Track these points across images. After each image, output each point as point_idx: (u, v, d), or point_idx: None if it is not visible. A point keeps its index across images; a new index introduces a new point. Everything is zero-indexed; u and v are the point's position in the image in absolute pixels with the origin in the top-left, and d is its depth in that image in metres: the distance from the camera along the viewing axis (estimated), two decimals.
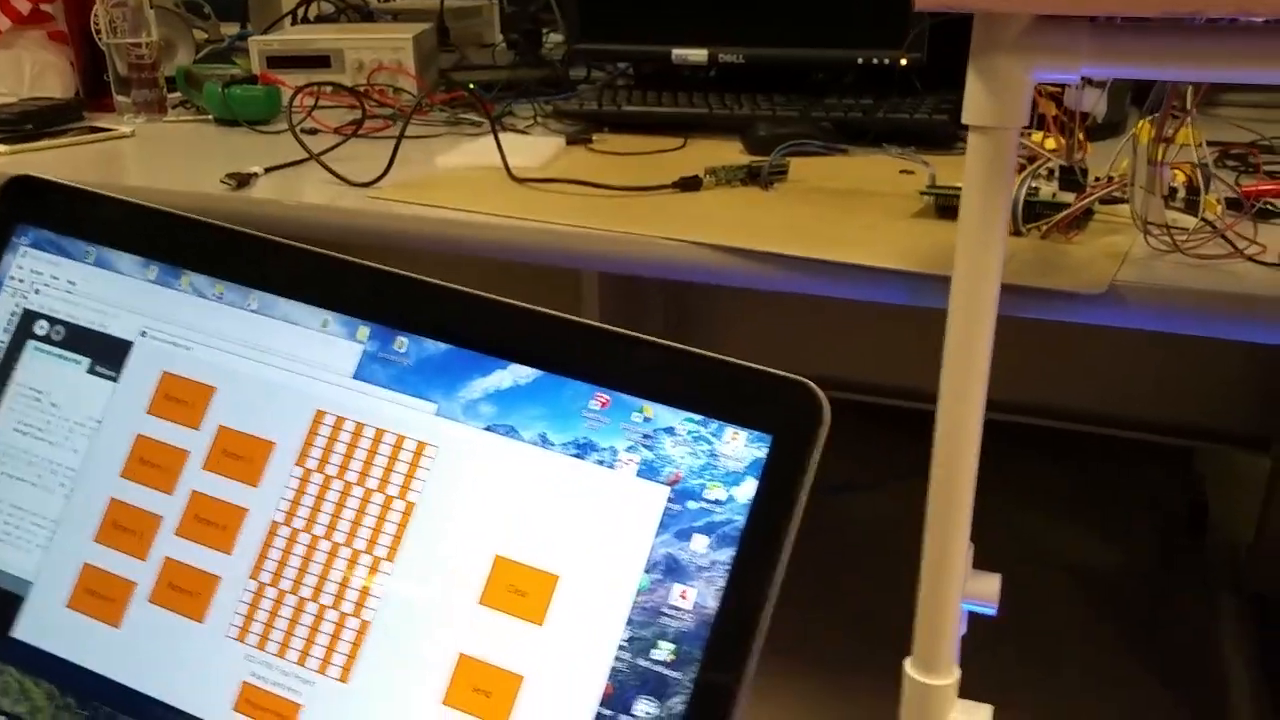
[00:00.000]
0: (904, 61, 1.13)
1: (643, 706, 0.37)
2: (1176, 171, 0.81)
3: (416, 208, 0.91)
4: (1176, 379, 1.53)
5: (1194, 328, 0.68)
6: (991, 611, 0.73)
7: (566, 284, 1.45)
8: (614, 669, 0.37)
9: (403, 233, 0.92)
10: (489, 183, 0.97)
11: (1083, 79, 0.68)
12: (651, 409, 0.39)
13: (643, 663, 0.37)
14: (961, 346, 0.50)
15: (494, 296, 0.42)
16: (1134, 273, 0.70)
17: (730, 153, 1.07)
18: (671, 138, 1.15)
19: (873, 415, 2.07)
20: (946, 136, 1.09)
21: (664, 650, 0.37)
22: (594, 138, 1.16)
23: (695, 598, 0.37)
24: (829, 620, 1.46)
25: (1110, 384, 1.55)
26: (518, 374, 0.41)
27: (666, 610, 0.37)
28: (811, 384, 0.38)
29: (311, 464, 0.41)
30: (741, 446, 0.38)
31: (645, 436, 0.39)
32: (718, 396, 0.39)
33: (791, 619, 1.42)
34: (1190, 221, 0.78)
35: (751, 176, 0.96)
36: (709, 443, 0.39)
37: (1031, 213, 0.79)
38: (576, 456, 0.40)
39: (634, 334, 0.40)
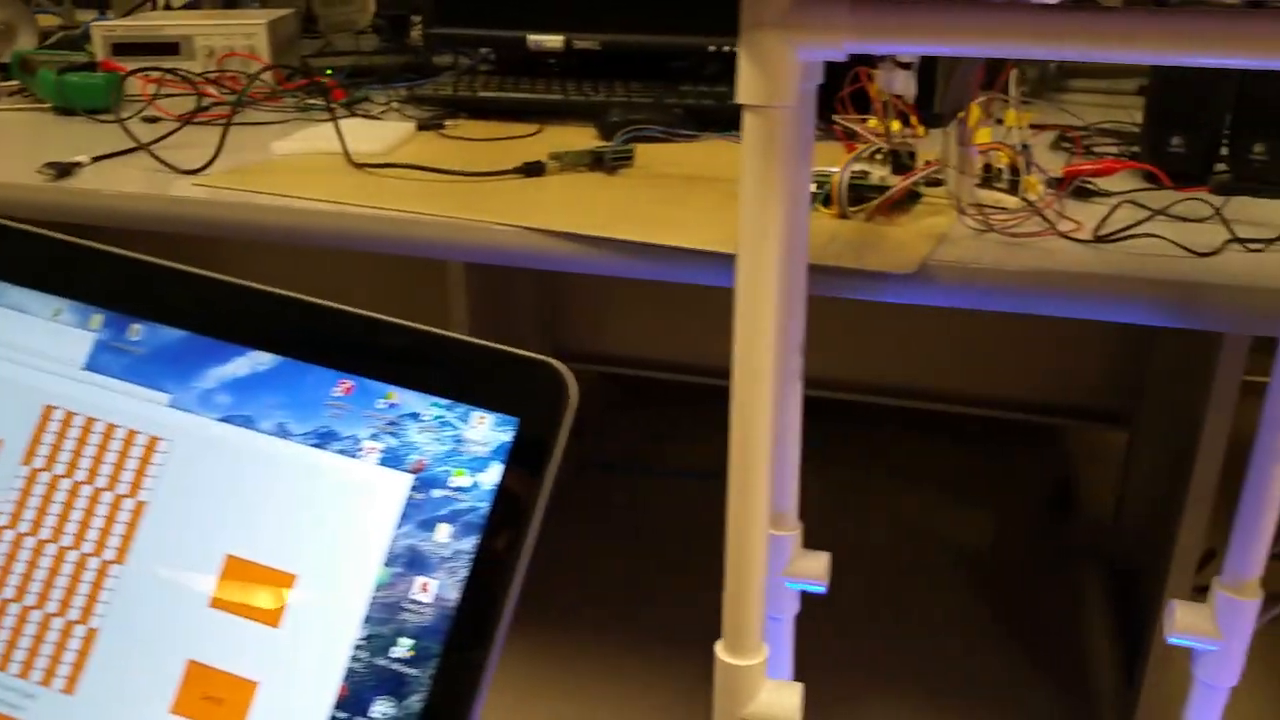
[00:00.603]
0: None
1: (380, 707, 0.35)
2: (1001, 153, 0.82)
3: (244, 195, 0.88)
4: (1041, 358, 1.57)
5: (1005, 305, 0.69)
6: (821, 590, 0.73)
7: (432, 275, 1.42)
8: (350, 669, 0.36)
9: (230, 221, 0.88)
10: (326, 169, 0.95)
11: (891, 60, 0.68)
12: (396, 394, 0.38)
13: (380, 661, 0.36)
14: (748, 324, 0.50)
15: (231, 279, 0.40)
16: (948, 253, 0.71)
17: (585, 139, 1.05)
18: (527, 124, 1.14)
19: None
20: None
21: (403, 647, 0.36)
22: (447, 124, 1.14)
23: (436, 590, 0.36)
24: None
25: (979, 364, 1.59)
26: (256, 361, 0.39)
27: (406, 605, 0.36)
28: (558, 364, 0.37)
29: (39, 462, 0.39)
30: (488, 430, 0.37)
31: (389, 423, 0.38)
32: (464, 379, 0.38)
33: (665, 603, 1.39)
34: (1013, 201, 0.79)
35: (597, 162, 0.95)
36: (454, 428, 0.37)
37: (858, 196, 0.80)
38: (317, 446, 0.38)
39: (377, 316, 0.38)
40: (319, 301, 0.39)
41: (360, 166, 0.95)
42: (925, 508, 1.74)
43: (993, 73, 1.17)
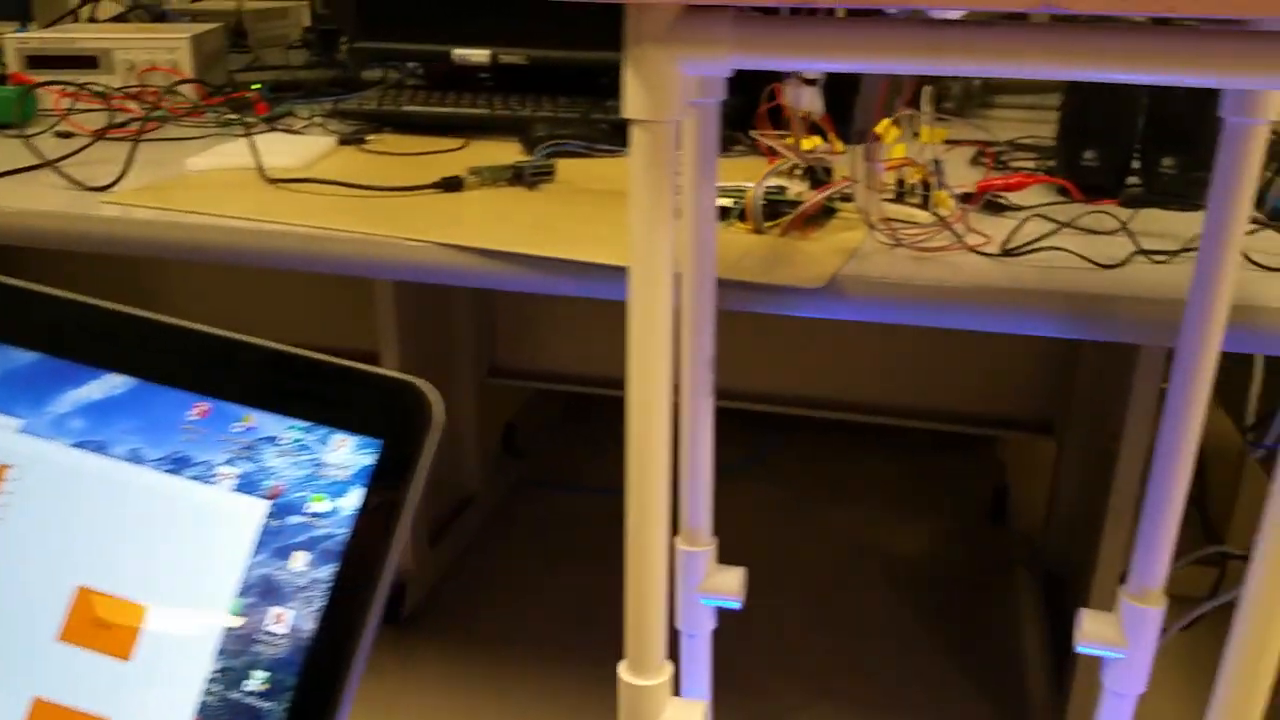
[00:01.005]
0: None
1: None
2: (912, 169, 0.83)
3: (153, 212, 0.86)
4: (976, 368, 1.58)
5: (912, 318, 0.70)
6: (736, 605, 0.73)
7: (360, 292, 1.40)
8: (203, 703, 0.35)
9: (138, 239, 0.86)
10: (238, 184, 0.93)
11: (797, 77, 0.68)
12: (254, 417, 0.37)
13: (234, 695, 0.34)
14: (641, 339, 0.49)
15: (83, 299, 0.38)
16: (857, 267, 0.71)
17: (511, 154, 1.04)
18: (453, 139, 1.13)
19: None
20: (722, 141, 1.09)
21: (257, 680, 0.34)
22: (370, 139, 1.13)
23: (292, 621, 0.35)
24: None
25: (914, 376, 1.60)
26: (111, 384, 0.37)
27: (261, 636, 0.35)
28: (422, 384, 0.36)
29: None
30: (349, 454, 0.36)
31: (245, 447, 0.36)
32: (324, 401, 0.36)
33: (604, 621, 1.37)
34: (925, 216, 0.80)
35: (517, 177, 0.94)
36: (314, 451, 0.36)
37: (774, 211, 0.80)
38: (171, 472, 0.37)
39: (234, 336, 0.37)
40: (173, 321, 0.38)
41: (274, 182, 0.94)
42: (863, 520, 1.75)
43: (909, 89, 1.18)
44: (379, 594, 0.35)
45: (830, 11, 0.45)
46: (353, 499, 0.36)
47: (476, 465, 1.69)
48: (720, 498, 1.82)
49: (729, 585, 0.71)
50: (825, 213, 0.83)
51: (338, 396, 0.37)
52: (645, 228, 0.47)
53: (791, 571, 1.61)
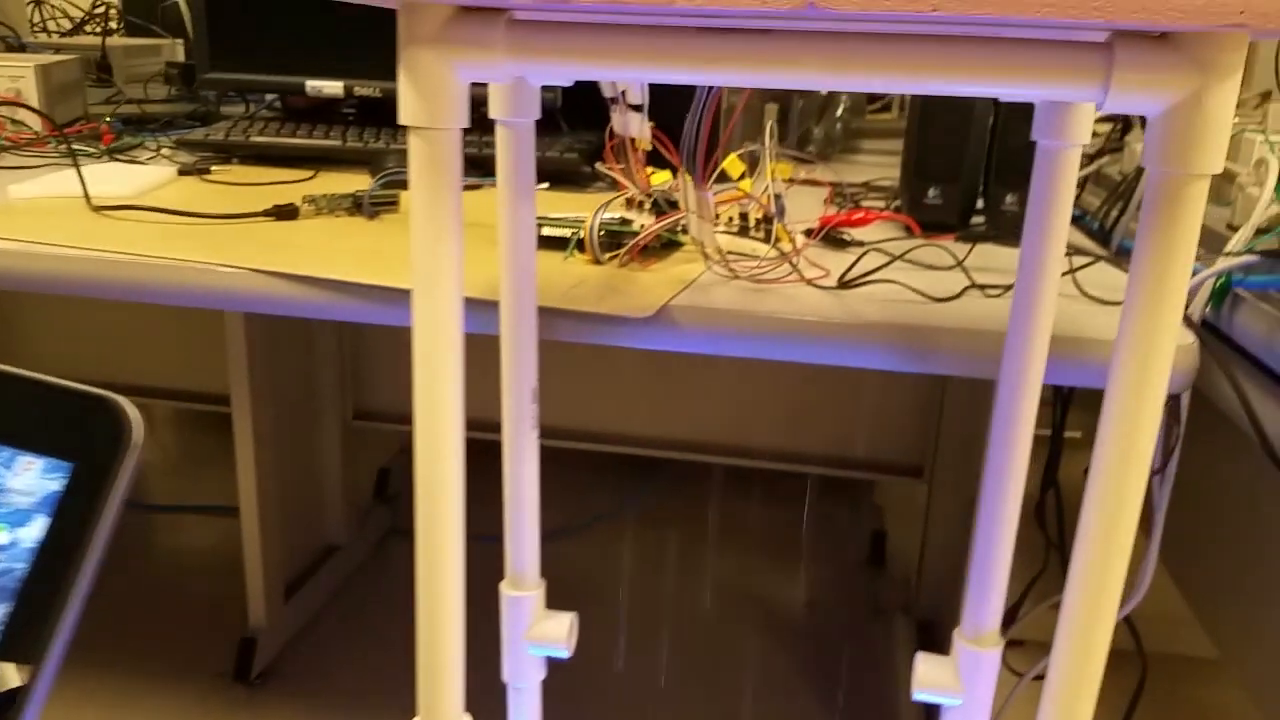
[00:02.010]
0: None
1: None
2: (757, 204, 0.82)
3: None
4: (853, 413, 1.59)
5: (744, 350, 0.68)
6: (564, 654, 0.69)
7: (212, 325, 1.34)
8: None
9: None
10: (62, 211, 0.87)
11: (623, 102, 0.67)
12: None
13: None
14: (427, 365, 0.46)
15: None
16: (690, 298, 0.69)
17: (362, 185, 1.01)
18: (303, 170, 1.09)
19: (562, 458, 2.05)
20: (579, 175, 1.08)
21: None
22: (216, 170, 1.08)
23: None
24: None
25: (793, 421, 1.60)
26: None
27: None
28: (119, 400, 0.32)
29: None
30: (35, 478, 0.32)
31: None
32: (8, 419, 0.32)
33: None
34: (765, 249, 0.79)
35: (356, 206, 0.91)
36: None
37: (615, 243, 0.78)
38: None
39: None
40: None
41: (99, 209, 0.88)
42: (742, 567, 1.73)
43: (753, 123, 1.18)
44: (59, 635, 0.31)
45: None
46: (35, 529, 0.32)
47: (340, 513, 1.62)
48: (597, 544, 1.79)
49: (556, 632, 0.67)
50: (668, 245, 0.81)
51: (25, 413, 0.32)
52: (427, 244, 0.44)
53: (667, 619, 1.57)
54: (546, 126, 1.18)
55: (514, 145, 0.56)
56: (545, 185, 1.07)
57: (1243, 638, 1.03)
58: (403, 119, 0.43)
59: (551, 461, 2.09)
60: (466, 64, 0.42)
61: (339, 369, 1.56)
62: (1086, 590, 0.49)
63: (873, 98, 1.60)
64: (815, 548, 1.80)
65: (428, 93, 0.42)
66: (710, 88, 0.64)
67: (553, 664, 1.47)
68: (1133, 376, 0.45)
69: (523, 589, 0.68)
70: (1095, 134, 1.29)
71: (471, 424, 1.61)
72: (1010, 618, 1.21)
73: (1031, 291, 0.58)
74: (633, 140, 0.71)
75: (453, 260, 0.45)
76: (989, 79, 0.39)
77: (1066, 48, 0.39)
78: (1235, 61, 0.37)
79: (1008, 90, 0.40)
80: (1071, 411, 1.10)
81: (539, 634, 0.68)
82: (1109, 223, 1.03)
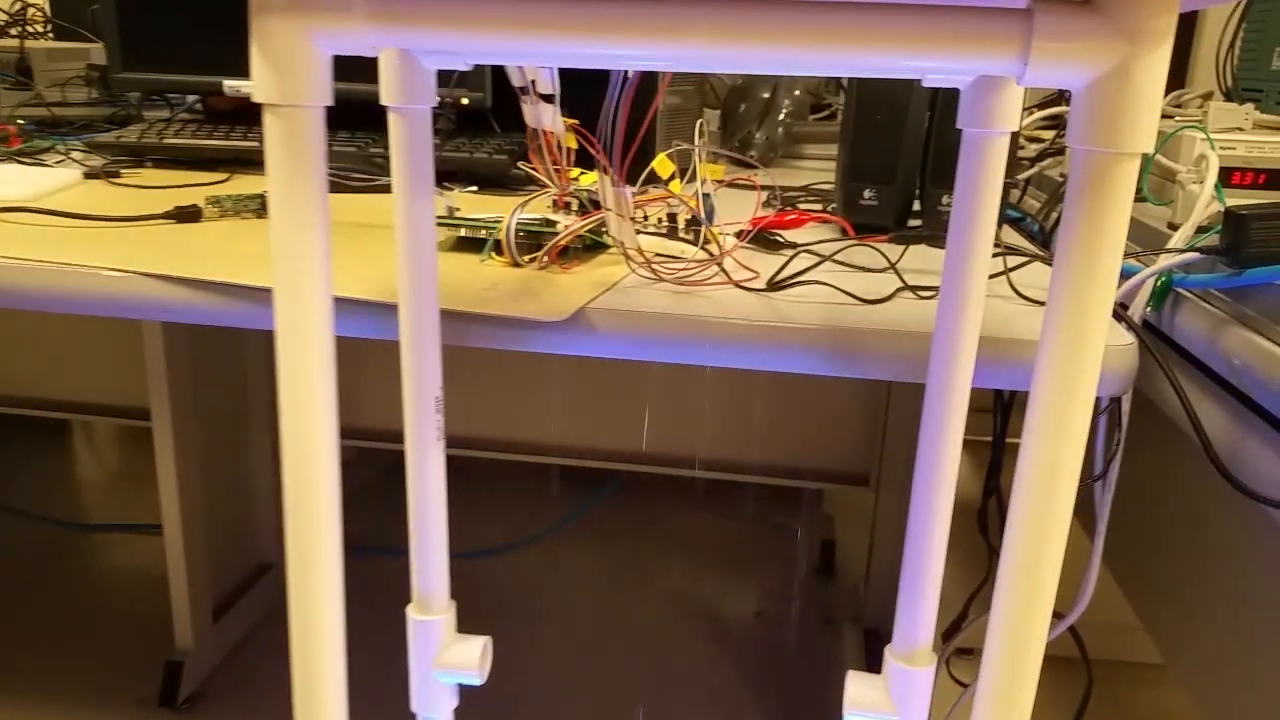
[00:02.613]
0: (465, 101, 1.08)
1: None
2: (685, 205, 0.79)
3: None
4: (795, 423, 1.56)
5: (665, 353, 0.64)
6: (476, 682, 0.65)
7: (131, 336, 1.28)
8: None
9: None
10: None
11: (534, 91, 0.63)
12: None
13: None
14: (291, 369, 0.42)
15: None
16: (612, 300, 0.65)
17: None
18: (219, 173, 1.04)
19: (506, 471, 2.01)
20: (509, 178, 1.04)
21: None
22: (126, 173, 1.03)
23: None
24: None
25: (742, 432, 1.57)
26: None
27: None
28: None
29: None
30: None
31: None
32: None
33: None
34: (693, 251, 0.76)
35: (264, 207, 0.86)
36: None
37: (535, 245, 0.74)
38: None
39: None
40: None
41: None
42: (691, 578, 1.69)
43: (689, 125, 1.15)
44: None
45: None
46: None
47: (273, 530, 1.57)
48: (544, 558, 1.74)
49: (467, 659, 0.63)
50: (593, 248, 0.77)
51: None
52: (287, 235, 0.40)
53: (613, 632, 1.53)
54: (477, 127, 1.15)
55: (406, 134, 0.53)
56: (474, 188, 1.03)
57: (1188, 642, 1.01)
58: (256, 95, 0.39)
59: (495, 475, 2.05)
60: (324, 32, 0.38)
61: (269, 381, 1.50)
62: (1017, 600, 0.46)
63: (816, 105, 1.58)
64: (765, 558, 1.77)
65: (283, 66, 0.38)
66: (625, 76, 0.61)
67: (497, 678, 1.42)
68: (1060, 375, 0.42)
69: (430, 613, 0.64)
70: (1038, 140, 1.27)
71: (393, 436, 1.56)
72: (955, 628, 1.19)
73: (959, 287, 0.55)
74: (550, 135, 0.67)
75: (316, 253, 0.41)
76: (898, 49, 0.36)
77: (982, 14, 0.36)
78: (1164, 28, 0.34)
79: (919, 62, 0.36)
80: (1013, 417, 1.08)
81: (449, 660, 0.63)
82: (1049, 224, 1.01)
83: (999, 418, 1.02)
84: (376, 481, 2.00)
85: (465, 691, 1.46)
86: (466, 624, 1.61)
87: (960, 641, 1.12)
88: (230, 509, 1.48)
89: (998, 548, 1.11)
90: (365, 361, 1.58)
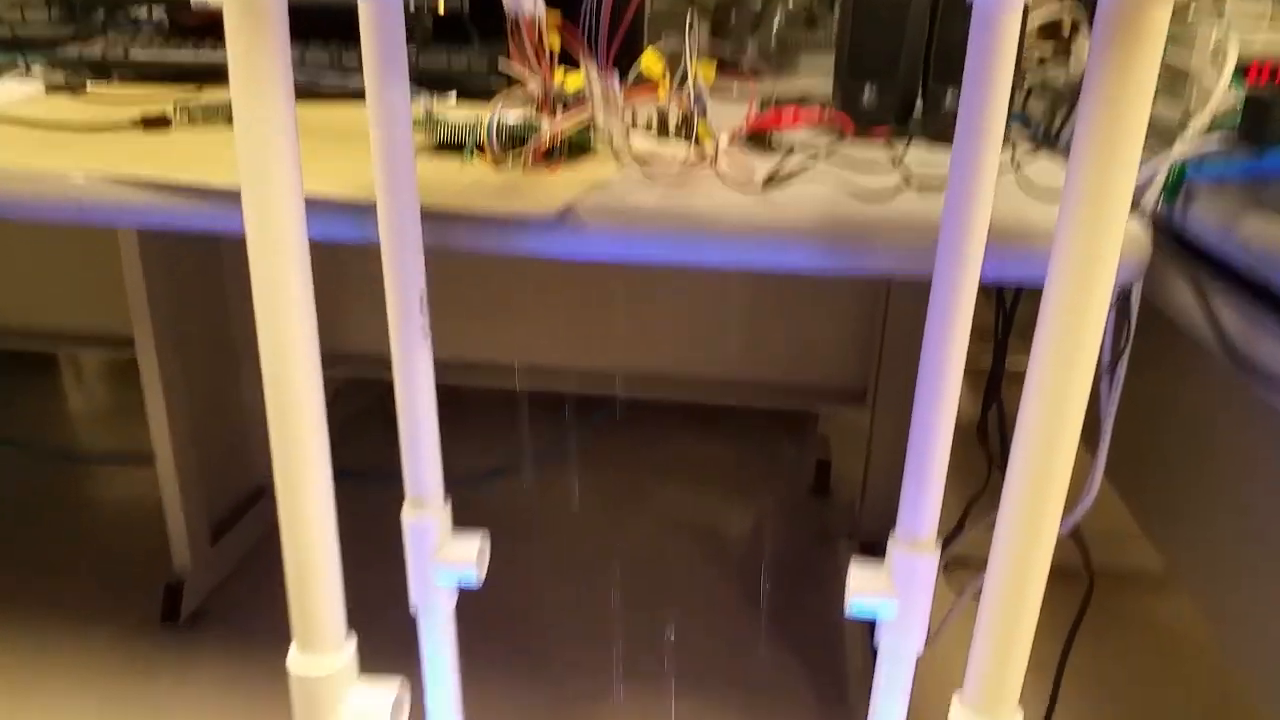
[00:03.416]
0: (440, 10, 1.03)
1: None
2: (678, 104, 0.75)
3: None
4: (788, 341, 1.54)
5: (656, 251, 0.62)
6: (473, 579, 0.63)
7: (113, 256, 1.24)
8: None
9: None
10: None
11: None
12: None
13: None
14: (264, 272, 0.39)
15: None
16: (601, 198, 0.62)
17: None
18: (188, 86, 1.00)
19: (498, 398, 2.00)
20: (488, 85, 1.00)
21: None
22: (93, 87, 0.99)
23: None
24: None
25: (735, 353, 1.55)
26: None
27: None
28: None
29: None
30: None
31: None
32: None
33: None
34: (686, 150, 0.72)
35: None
36: None
37: (519, 143, 0.71)
38: None
39: None
40: None
41: None
42: (685, 500, 1.69)
43: (679, 27, 1.10)
44: None
45: None
46: None
47: (268, 454, 1.55)
48: (537, 483, 1.73)
49: (464, 556, 0.62)
50: (580, 149, 0.74)
51: None
52: (250, 123, 0.37)
53: (609, 554, 1.53)
54: (455, 36, 1.10)
55: (376, 20, 0.49)
56: (452, 97, 0.99)
57: (1190, 549, 1.00)
58: None
59: (486, 402, 2.04)
60: None
61: (251, 304, 1.47)
62: (1026, 501, 0.44)
63: (809, 18, 1.53)
64: (759, 480, 1.76)
65: None
66: None
67: (492, 601, 1.42)
68: (1078, 258, 0.40)
69: (425, 510, 0.62)
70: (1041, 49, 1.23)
71: (388, 363, 1.53)
72: (952, 537, 1.18)
73: (969, 173, 0.52)
74: (531, 25, 0.63)
75: (283, 142, 0.38)
76: None
77: None
78: None
79: None
80: (1010, 340, 1.06)
81: (445, 558, 0.62)
82: (1055, 127, 0.98)
83: (999, 323, 1.00)
84: (372, 407, 1.99)
85: (461, 611, 1.45)
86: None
87: (957, 549, 1.11)
88: (223, 433, 1.46)
89: (997, 458, 1.10)
90: (354, 288, 1.55)
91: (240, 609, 1.37)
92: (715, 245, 0.61)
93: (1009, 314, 1.05)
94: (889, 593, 0.59)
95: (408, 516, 0.62)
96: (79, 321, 1.68)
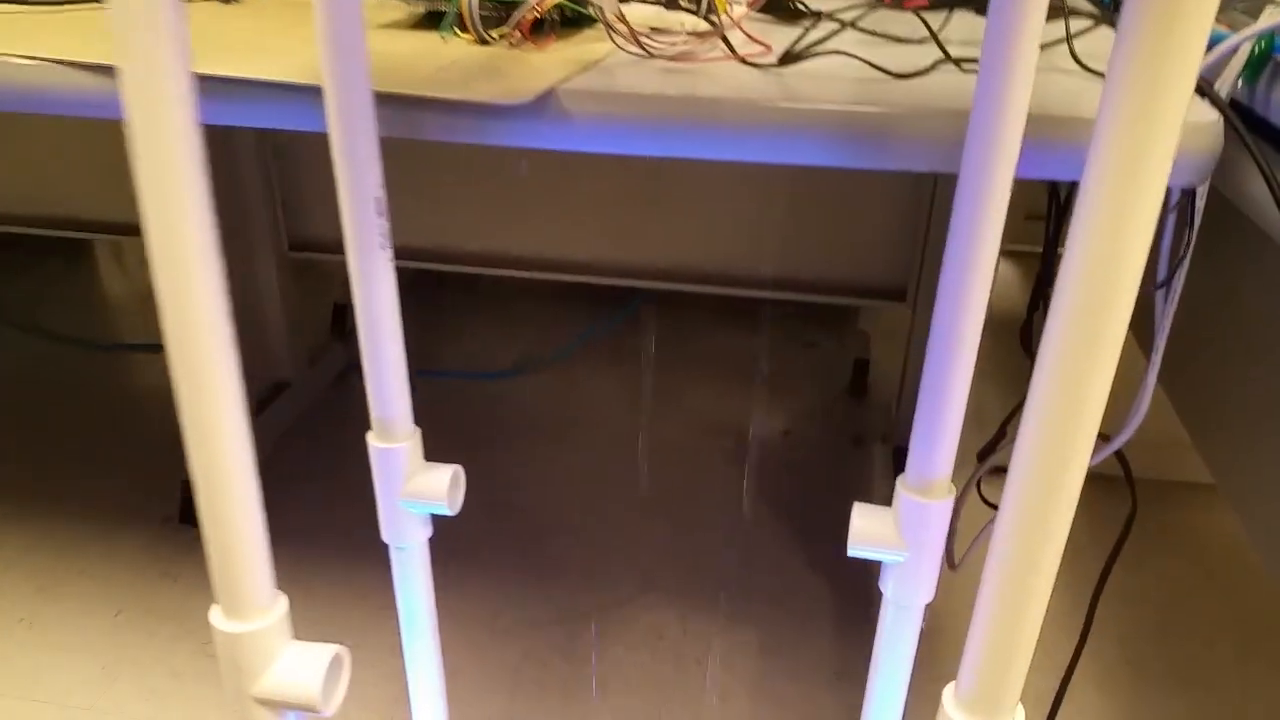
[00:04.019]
0: None
1: None
2: None
3: None
4: (829, 236, 1.45)
5: (648, 146, 0.54)
6: (447, 511, 0.59)
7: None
8: None
9: None
10: None
11: None
12: None
13: None
14: (148, 162, 0.33)
15: None
16: (590, 81, 0.55)
17: None
18: None
19: (528, 289, 1.94)
20: None
21: None
22: None
23: None
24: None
25: (766, 246, 1.47)
26: None
27: None
28: None
29: None
30: None
31: None
32: None
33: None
34: (694, 23, 0.64)
35: None
36: None
37: (505, 17, 0.63)
38: None
39: None
40: None
41: None
42: (719, 399, 1.64)
43: None
44: None
45: None
46: None
47: (286, 350, 1.52)
48: (563, 378, 1.69)
49: (435, 488, 0.57)
50: (575, 22, 0.66)
51: None
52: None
53: (634, 454, 1.49)
54: None
55: None
56: None
57: (1239, 461, 0.93)
58: None
59: (513, 294, 1.99)
60: None
61: (268, 195, 1.42)
62: (1052, 427, 0.37)
63: None
64: (795, 378, 1.70)
65: None
66: None
67: (508, 503, 1.39)
68: (1121, 154, 0.33)
69: (392, 439, 0.57)
70: None
71: (415, 254, 1.48)
72: (991, 447, 1.12)
73: (1003, 46, 0.44)
74: None
75: (173, 21, 0.31)
76: None
77: None
78: None
79: None
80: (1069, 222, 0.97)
81: (415, 490, 0.57)
82: None
83: (1053, 218, 0.91)
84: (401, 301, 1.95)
85: (482, 510, 1.42)
86: (482, 444, 1.57)
87: (996, 462, 1.05)
88: (240, 327, 1.43)
89: None
90: None
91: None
92: (716, 137, 0.54)
93: (1064, 201, 0.96)
94: (895, 544, 0.54)
95: (375, 443, 0.57)
96: (110, 210, 1.65)
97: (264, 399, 1.50)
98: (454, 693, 1.07)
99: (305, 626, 1.16)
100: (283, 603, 0.44)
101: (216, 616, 0.42)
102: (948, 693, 0.44)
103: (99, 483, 1.40)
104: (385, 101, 0.53)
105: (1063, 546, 0.39)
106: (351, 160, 0.49)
